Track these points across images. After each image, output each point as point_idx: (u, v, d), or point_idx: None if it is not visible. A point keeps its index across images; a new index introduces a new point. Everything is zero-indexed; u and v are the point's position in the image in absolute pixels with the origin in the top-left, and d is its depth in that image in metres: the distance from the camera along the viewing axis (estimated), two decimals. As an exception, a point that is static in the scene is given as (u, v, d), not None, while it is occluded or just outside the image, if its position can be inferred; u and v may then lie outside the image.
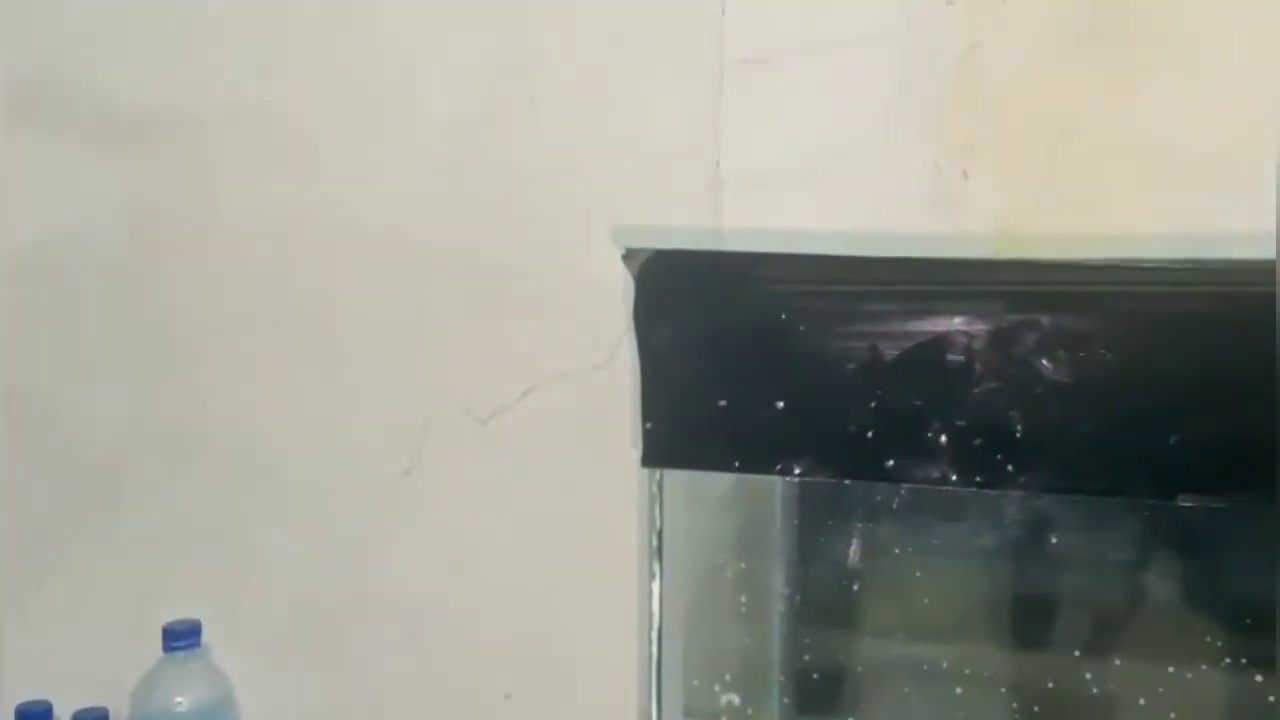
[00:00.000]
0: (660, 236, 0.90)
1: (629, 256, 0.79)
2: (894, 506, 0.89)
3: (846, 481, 0.85)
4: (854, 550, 0.89)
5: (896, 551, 0.90)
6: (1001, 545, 0.87)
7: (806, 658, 0.92)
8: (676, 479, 0.91)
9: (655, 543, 0.90)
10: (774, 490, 0.92)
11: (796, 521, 0.92)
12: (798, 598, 0.92)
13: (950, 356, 0.80)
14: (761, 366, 0.83)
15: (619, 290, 0.91)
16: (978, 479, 0.80)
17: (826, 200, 0.89)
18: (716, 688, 0.93)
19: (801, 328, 0.82)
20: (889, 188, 0.88)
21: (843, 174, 0.89)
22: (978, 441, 0.79)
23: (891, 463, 0.81)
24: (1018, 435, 0.78)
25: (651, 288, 0.82)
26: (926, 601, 0.89)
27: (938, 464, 0.81)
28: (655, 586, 0.91)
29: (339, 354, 1.05)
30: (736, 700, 0.92)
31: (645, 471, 0.89)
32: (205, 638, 1.02)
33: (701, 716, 0.94)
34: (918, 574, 0.89)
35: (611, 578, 0.95)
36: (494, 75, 0.99)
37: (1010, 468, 0.79)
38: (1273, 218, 0.72)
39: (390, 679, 1.05)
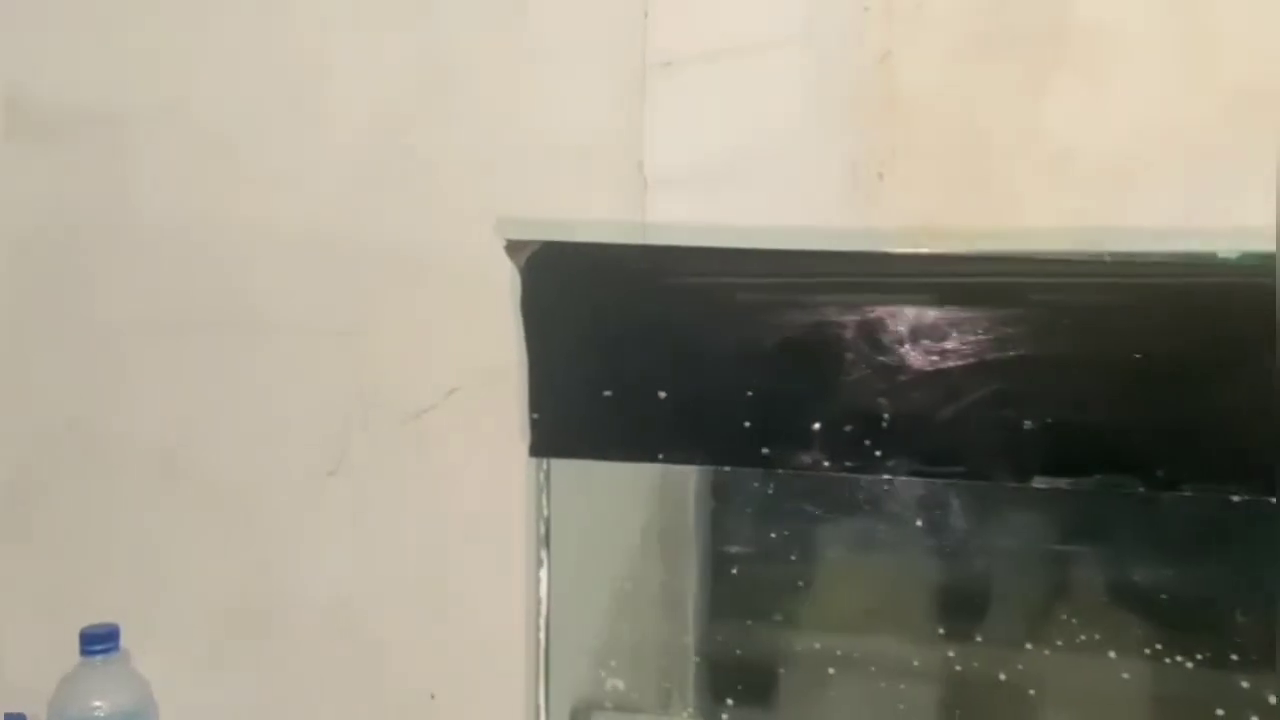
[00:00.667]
0: (574, 233, 0.92)
1: (511, 248, 0.81)
2: (800, 495, 0.90)
3: (725, 469, 0.88)
4: (775, 540, 0.91)
5: (805, 541, 0.91)
6: (909, 534, 0.89)
7: (709, 645, 0.94)
8: (584, 468, 0.93)
9: (543, 531, 0.92)
10: (683, 479, 0.94)
11: (705, 510, 0.94)
12: (702, 586, 0.94)
13: (822, 347, 0.83)
14: (645, 357, 0.86)
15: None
16: (848, 464, 0.83)
17: (747, 200, 0.92)
18: (602, 673, 0.95)
19: (683, 319, 0.85)
20: (808, 188, 0.91)
21: (763, 174, 0.92)
22: (848, 428, 0.83)
23: (767, 450, 0.84)
24: (884, 422, 0.82)
25: (537, 279, 0.85)
26: (831, 590, 0.91)
27: (811, 451, 0.84)
28: (543, 574, 0.92)
29: (262, 353, 1.06)
30: (621, 685, 0.94)
31: (533, 461, 0.92)
32: (125, 642, 1.01)
33: (597, 704, 0.95)
34: (824, 563, 0.91)
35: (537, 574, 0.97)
36: (417, 73, 1.01)
37: (878, 453, 0.82)
38: (1269, 217, 0.76)
39: (314, 681, 1.05)
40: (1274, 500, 0.75)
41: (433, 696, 1.02)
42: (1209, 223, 0.80)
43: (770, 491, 0.90)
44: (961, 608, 0.88)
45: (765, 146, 0.92)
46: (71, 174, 1.09)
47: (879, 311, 0.82)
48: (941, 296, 0.82)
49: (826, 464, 0.83)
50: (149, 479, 1.09)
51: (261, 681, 1.07)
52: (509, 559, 0.98)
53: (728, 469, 0.89)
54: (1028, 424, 0.79)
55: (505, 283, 0.94)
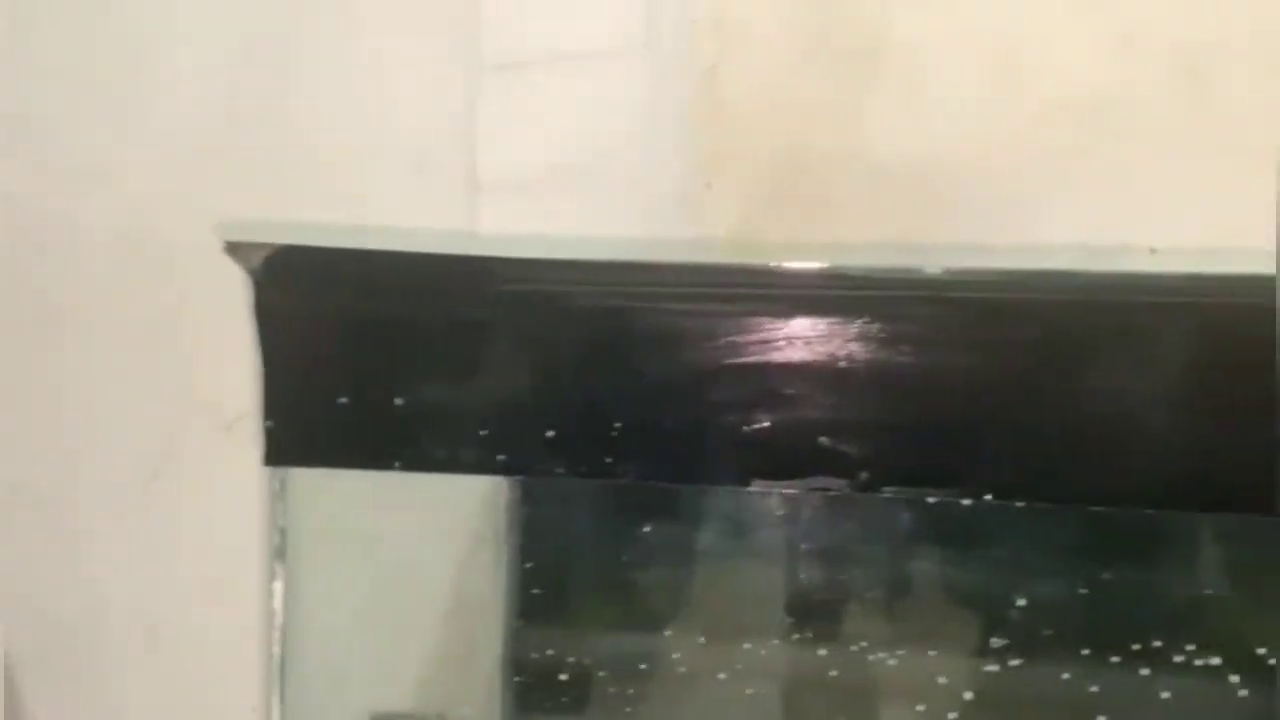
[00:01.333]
0: (410, 239, 0.90)
1: (235, 250, 0.79)
2: (598, 503, 0.91)
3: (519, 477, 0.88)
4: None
5: (612, 550, 0.92)
6: (721, 541, 0.90)
7: (513, 656, 0.93)
8: (368, 478, 0.90)
9: (278, 540, 0.90)
10: (487, 488, 0.93)
11: (509, 518, 0.94)
12: (505, 595, 0.94)
13: (554, 354, 0.85)
14: (381, 364, 0.86)
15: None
16: (581, 470, 0.85)
17: (579, 207, 0.92)
18: (397, 688, 0.94)
19: (420, 325, 0.85)
20: (638, 197, 0.92)
21: (595, 182, 0.93)
22: (582, 435, 0.85)
23: (504, 457, 0.86)
24: (616, 430, 0.84)
25: (271, 283, 0.84)
26: (621, 597, 0.92)
27: (546, 458, 0.85)
28: (278, 587, 0.90)
29: (76, 357, 1.01)
30: (418, 700, 0.93)
31: (269, 470, 0.90)
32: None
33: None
34: (620, 569, 0.92)
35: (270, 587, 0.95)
36: (242, 68, 0.98)
37: (609, 460, 0.85)
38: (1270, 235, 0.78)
39: (131, 699, 1.01)
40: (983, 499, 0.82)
41: (254, 710, 0.99)
42: (1016, 239, 0.86)
43: (576, 497, 0.91)
44: (791, 611, 0.90)
45: (598, 153, 0.93)
46: None
47: (616, 318, 0.84)
48: (675, 304, 0.85)
49: (561, 470, 0.85)
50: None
51: (75, 695, 1.02)
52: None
53: (522, 478, 0.90)
54: (746, 429, 0.83)
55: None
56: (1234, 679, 0.81)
